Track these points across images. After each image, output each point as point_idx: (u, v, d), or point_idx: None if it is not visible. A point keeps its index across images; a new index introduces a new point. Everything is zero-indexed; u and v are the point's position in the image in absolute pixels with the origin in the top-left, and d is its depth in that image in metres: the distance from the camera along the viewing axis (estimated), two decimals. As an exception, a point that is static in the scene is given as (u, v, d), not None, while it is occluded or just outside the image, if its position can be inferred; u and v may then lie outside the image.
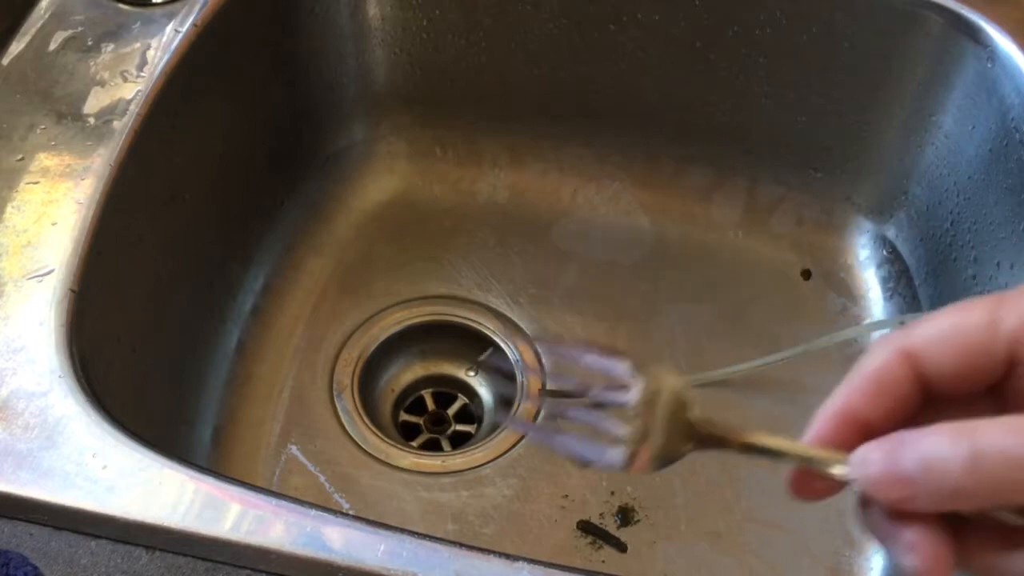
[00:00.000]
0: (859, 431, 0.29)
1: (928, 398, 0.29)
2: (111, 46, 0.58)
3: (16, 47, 0.58)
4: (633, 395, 0.30)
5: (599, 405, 0.31)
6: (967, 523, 0.28)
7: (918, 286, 0.71)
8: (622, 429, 0.30)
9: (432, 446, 0.69)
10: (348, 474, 0.65)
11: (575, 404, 0.31)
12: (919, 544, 0.28)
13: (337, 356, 0.70)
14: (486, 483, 0.65)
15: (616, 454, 0.30)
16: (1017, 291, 0.29)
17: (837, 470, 0.29)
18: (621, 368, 0.31)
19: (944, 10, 0.63)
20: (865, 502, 0.29)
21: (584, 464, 0.31)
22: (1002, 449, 0.26)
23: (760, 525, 0.65)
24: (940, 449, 0.27)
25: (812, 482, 0.30)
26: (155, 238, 0.59)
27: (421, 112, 0.77)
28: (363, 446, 0.66)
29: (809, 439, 0.29)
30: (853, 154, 0.73)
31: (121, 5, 0.60)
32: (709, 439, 0.30)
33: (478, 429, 0.70)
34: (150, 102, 0.56)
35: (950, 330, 0.29)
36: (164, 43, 0.59)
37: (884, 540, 0.29)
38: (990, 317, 0.28)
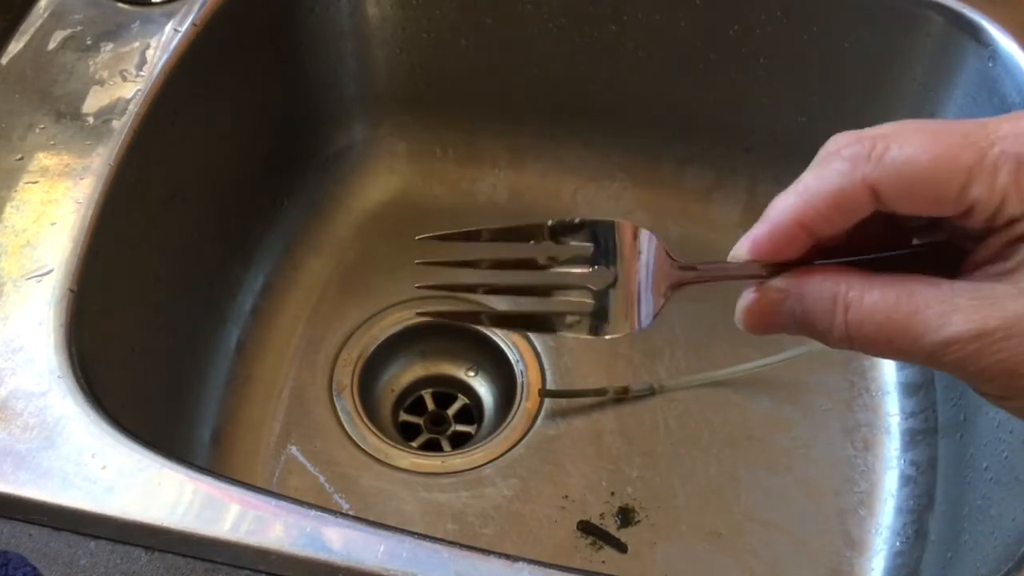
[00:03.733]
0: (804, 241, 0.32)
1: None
2: (110, 45, 0.58)
3: (15, 46, 0.58)
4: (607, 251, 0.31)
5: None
6: None
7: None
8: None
9: (432, 446, 0.69)
10: (348, 474, 0.65)
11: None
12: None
13: (337, 356, 0.70)
14: (486, 483, 0.65)
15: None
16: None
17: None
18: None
19: (945, 9, 0.63)
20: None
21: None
22: (875, 321, 0.29)
23: (760, 525, 0.64)
24: (819, 316, 0.31)
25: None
26: (155, 238, 0.59)
27: (421, 112, 0.77)
28: (363, 446, 0.66)
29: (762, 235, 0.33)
30: (853, 154, 0.73)
31: (120, 5, 0.60)
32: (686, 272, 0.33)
33: (478, 429, 0.70)
34: (149, 102, 0.56)
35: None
36: (163, 43, 0.59)
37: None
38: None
